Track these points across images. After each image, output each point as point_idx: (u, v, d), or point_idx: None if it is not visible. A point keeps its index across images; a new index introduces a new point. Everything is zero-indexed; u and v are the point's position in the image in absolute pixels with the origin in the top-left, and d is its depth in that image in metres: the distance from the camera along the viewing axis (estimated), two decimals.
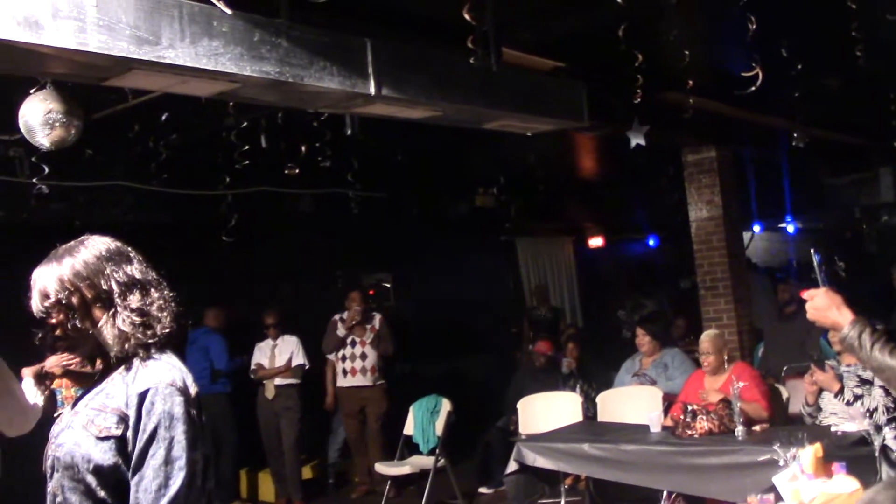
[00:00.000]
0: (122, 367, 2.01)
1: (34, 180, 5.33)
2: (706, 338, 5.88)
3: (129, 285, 2.04)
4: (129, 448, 1.91)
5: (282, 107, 5.15)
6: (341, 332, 7.97)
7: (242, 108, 5.25)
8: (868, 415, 4.73)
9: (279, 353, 7.92)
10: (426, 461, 7.18)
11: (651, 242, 13.26)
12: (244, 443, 7.91)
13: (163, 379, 1.96)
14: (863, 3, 4.45)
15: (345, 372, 7.98)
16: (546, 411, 6.84)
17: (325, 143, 5.76)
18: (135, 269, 2.08)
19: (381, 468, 7.42)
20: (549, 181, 9.06)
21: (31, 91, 4.37)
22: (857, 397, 4.98)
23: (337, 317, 8.11)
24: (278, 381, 7.86)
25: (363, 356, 7.94)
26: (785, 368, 6.85)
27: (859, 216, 12.40)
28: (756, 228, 13.25)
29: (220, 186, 6.71)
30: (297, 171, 6.31)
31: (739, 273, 7.75)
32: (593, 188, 12.03)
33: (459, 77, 4.63)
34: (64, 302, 1.99)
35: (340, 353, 7.98)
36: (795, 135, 6.96)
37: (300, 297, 9.17)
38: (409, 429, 7.52)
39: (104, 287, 2.02)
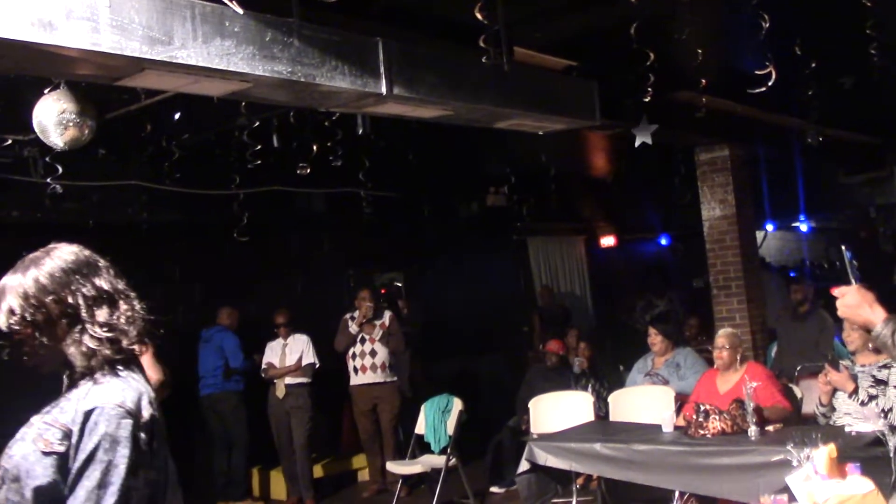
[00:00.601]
0: (86, 382, 1.95)
1: (48, 180, 5.36)
2: (723, 333, 5.86)
3: (97, 298, 1.97)
4: (69, 465, 1.86)
5: (294, 106, 5.17)
6: (353, 329, 7.99)
7: (254, 108, 5.27)
8: (883, 415, 4.70)
9: (290, 352, 7.94)
10: (437, 460, 7.18)
11: (663, 242, 13.22)
12: (256, 441, 7.94)
13: (112, 399, 1.89)
14: (877, 1, 4.42)
15: (356, 370, 7.99)
16: (557, 411, 6.82)
17: (337, 142, 5.77)
18: (103, 281, 2.00)
19: (393, 467, 7.43)
20: (560, 180, 9.05)
21: (45, 91, 4.40)
22: (872, 397, 4.95)
23: (348, 316, 8.12)
24: (289, 380, 7.87)
25: (373, 353, 7.95)
26: (799, 368, 6.81)
27: (874, 215, 12.32)
28: (769, 227, 13.20)
29: (232, 186, 6.73)
30: (308, 170, 6.32)
31: (752, 272, 7.72)
32: (605, 187, 12.02)
33: (471, 76, 4.63)
34: (29, 318, 1.93)
35: (351, 352, 7.99)
36: (809, 133, 6.92)
37: (311, 296, 9.19)
38: (420, 428, 7.53)
39: (70, 301, 1.95)
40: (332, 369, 8.18)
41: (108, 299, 1.99)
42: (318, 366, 7.92)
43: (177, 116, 5.74)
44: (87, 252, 2.05)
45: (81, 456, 1.84)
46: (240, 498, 7.88)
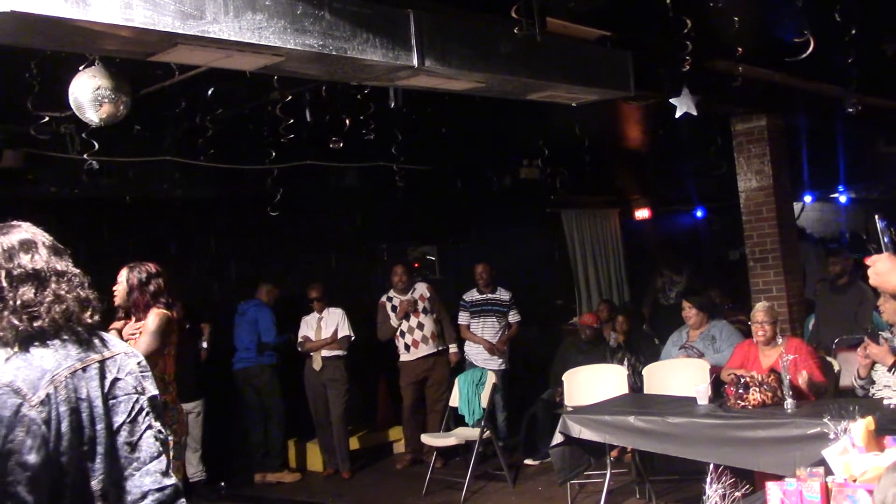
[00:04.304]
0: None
1: (85, 156, 5.42)
2: (761, 307, 5.81)
3: (23, 278, 2.02)
4: None
5: (325, 80, 5.16)
6: (394, 322, 8.02)
7: (287, 83, 5.27)
8: None
9: (325, 325, 8.00)
10: (472, 433, 7.22)
11: (699, 214, 13.09)
12: (292, 414, 8.03)
13: (2, 379, 1.91)
14: None
15: (407, 346, 8.01)
16: (591, 384, 6.82)
17: (369, 116, 5.76)
18: (36, 262, 2.06)
19: (427, 439, 7.48)
20: (594, 152, 8.97)
21: (80, 68, 4.43)
22: None
23: (384, 298, 8.14)
24: (325, 352, 7.94)
25: (420, 326, 7.99)
26: (837, 341, 6.74)
27: None
28: (807, 199, 13.01)
29: (265, 161, 6.76)
30: (341, 144, 6.33)
31: (789, 244, 7.61)
32: (640, 159, 11.89)
33: (503, 48, 4.59)
34: None
35: (399, 330, 8.04)
36: (848, 102, 6.78)
37: (345, 270, 9.24)
38: (454, 401, 7.57)
39: None
40: (368, 342, 8.24)
41: (36, 279, 2.03)
42: (353, 338, 7.98)
43: (210, 92, 5.76)
44: (29, 233, 2.11)
45: None
46: (277, 469, 8.00)
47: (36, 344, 1.99)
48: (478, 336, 8.18)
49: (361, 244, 9.57)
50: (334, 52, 3.85)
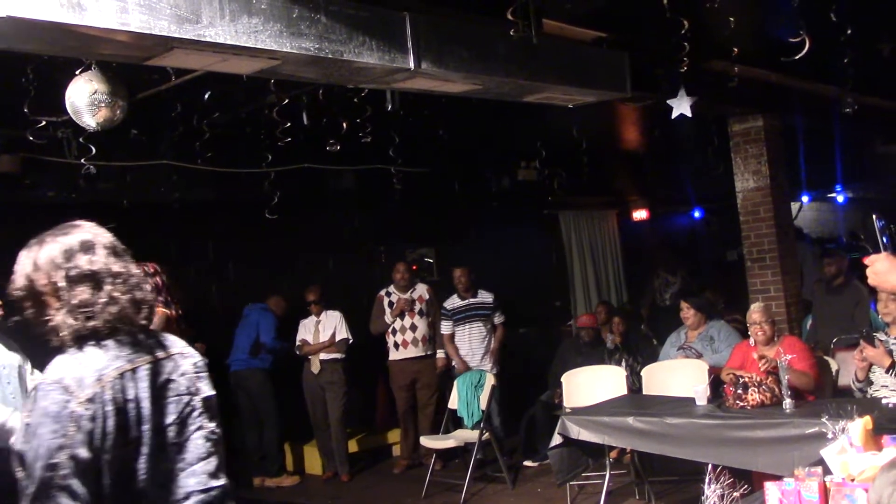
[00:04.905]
0: (59, 354, 2.08)
1: (82, 160, 5.42)
2: (758, 308, 5.81)
3: (80, 279, 2.08)
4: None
5: (322, 83, 5.16)
6: (388, 319, 8.02)
7: (284, 86, 5.27)
8: None
9: (323, 328, 8.00)
10: (471, 435, 7.22)
11: (696, 215, 13.10)
12: (289, 417, 8.02)
13: (52, 375, 1.99)
14: None
15: (396, 345, 8.02)
16: (590, 385, 6.82)
17: (366, 118, 5.77)
18: (94, 263, 2.11)
19: (426, 442, 7.48)
20: (592, 154, 8.97)
21: (77, 73, 4.44)
22: None
23: (383, 292, 8.14)
24: (323, 355, 7.94)
25: (413, 327, 7.98)
26: (835, 341, 6.74)
27: None
28: (804, 199, 13.02)
29: (262, 164, 6.76)
30: (338, 147, 6.33)
31: (787, 244, 7.62)
32: (637, 160, 11.90)
33: (500, 50, 4.59)
34: (25, 292, 2.10)
35: (390, 327, 8.04)
36: (845, 102, 6.79)
37: (343, 272, 9.24)
38: (453, 403, 7.56)
39: (55, 281, 2.08)
40: (366, 345, 8.23)
41: (93, 280, 2.09)
42: (351, 341, 7.98)
43: (207, 96, 5.76)
44: (89, 234, 2.16)
45: (27, 427, 1.96)
46: (275, 473, 7.99)
47: (90, 343, 2.05)
48: (457, 354, 7.88)
49: (359, 247, 9.57)
50: (330, 56, 3.85)
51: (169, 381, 2.11)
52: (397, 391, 8.07)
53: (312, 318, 8.07)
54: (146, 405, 2.04)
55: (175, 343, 2.22)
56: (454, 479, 7.20)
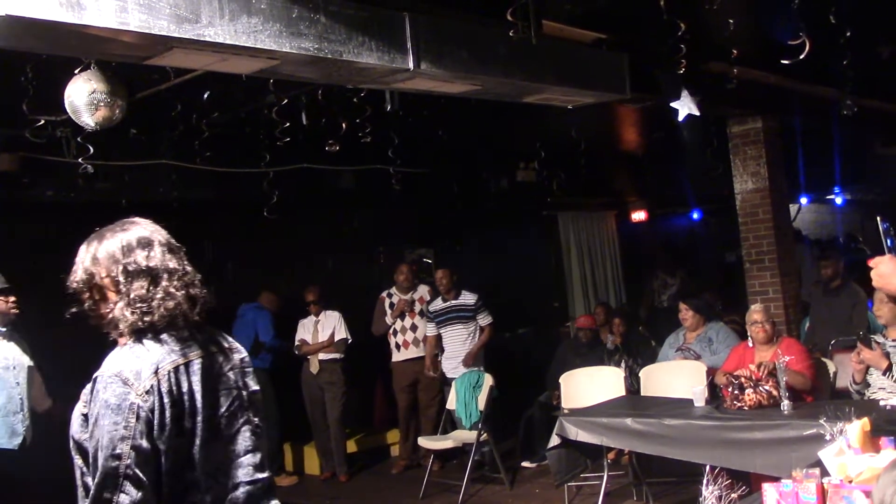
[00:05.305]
0: (116, 348, 2.14)
1: (80, 160, 5.42)
2: (759, 308, 5.82)
3: (138, 274, 2.14)
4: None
5: (322, 83, 5.16)
6: (389, 320, 8.01)
7: (283, 86, 5.27)
8: None
9: (322, 328, 8.00)
10: (469, 436, 7.21)
11: (695, 216, 13.10)
12: (288, 417, 8.01)
13: (111, 368, 2.05)
14: None
15: (398, 346, 8.03)
16: (588, 386, 6.82)
17: (366, 119, 5.77)
18: (151, 259, 2.17)
19: (424, 442, 7.48)
20: (591, 155, 8.97)
21: (76, 72, 4.43)
22: None
23: (384, 293, 8.15)
24: (322, 355, 7.94)
25: (413, 328, 7.98)
26: (832, 342, 6.74)
27: None
28: (803, 200, 13.01)
29: (261, 164, 6.76)
30: (337, 147, 6.33)
31: (786, 246, 7.62)
32: (636, 161, 11.90)
33: (499, 51, 4.59)
34: (84, 285, 2.15)
35: (392, 328, 8.05)
36: (844, 104, 6.79)
37: (342, 273, 9.23)
38: (451, 403, 7.56)
39: (114, 275, 2.13)
40: (365, 345, 8.23)
41: (150, 276, 2.14)
42: (350, 341, 7.98)
43: (206, 95, 5.76)
44: (147, 231, 2.23)
45: (90, 419, 2.02)
46: (274, 473, 7.96)
47: (148, 336, 2.11)
48: (431, 357, 7.81)
49: (358, 247, 9.57)
50: (330, 56, 3.85)
51: (220, 375, 2.18)
52: (398, 392, 8.07)
53: (311, 318, 8.07)
54: (199, 398, 2.10)
55: (225, 338, 2.30)
56: (452, 479, 7.21)
